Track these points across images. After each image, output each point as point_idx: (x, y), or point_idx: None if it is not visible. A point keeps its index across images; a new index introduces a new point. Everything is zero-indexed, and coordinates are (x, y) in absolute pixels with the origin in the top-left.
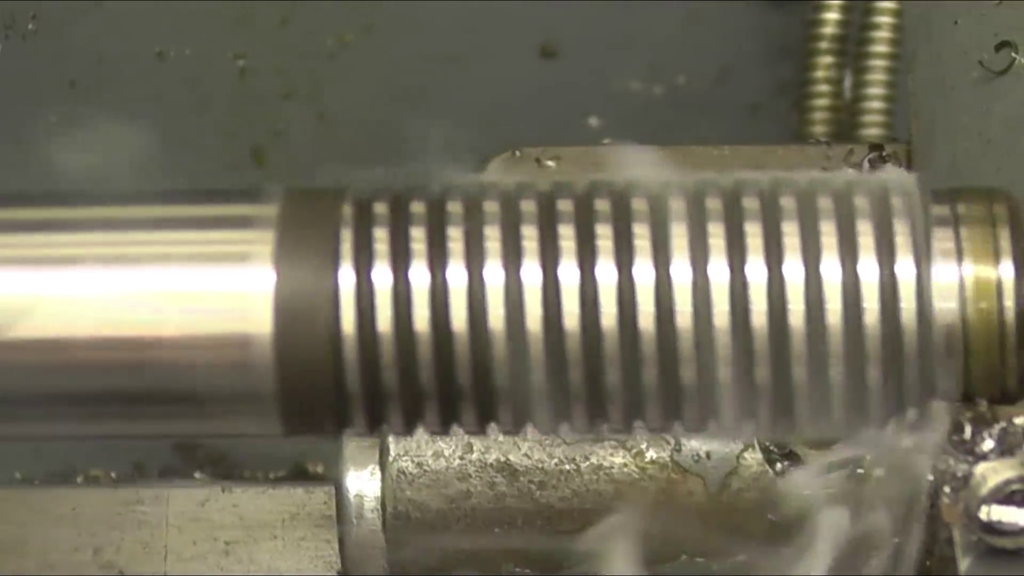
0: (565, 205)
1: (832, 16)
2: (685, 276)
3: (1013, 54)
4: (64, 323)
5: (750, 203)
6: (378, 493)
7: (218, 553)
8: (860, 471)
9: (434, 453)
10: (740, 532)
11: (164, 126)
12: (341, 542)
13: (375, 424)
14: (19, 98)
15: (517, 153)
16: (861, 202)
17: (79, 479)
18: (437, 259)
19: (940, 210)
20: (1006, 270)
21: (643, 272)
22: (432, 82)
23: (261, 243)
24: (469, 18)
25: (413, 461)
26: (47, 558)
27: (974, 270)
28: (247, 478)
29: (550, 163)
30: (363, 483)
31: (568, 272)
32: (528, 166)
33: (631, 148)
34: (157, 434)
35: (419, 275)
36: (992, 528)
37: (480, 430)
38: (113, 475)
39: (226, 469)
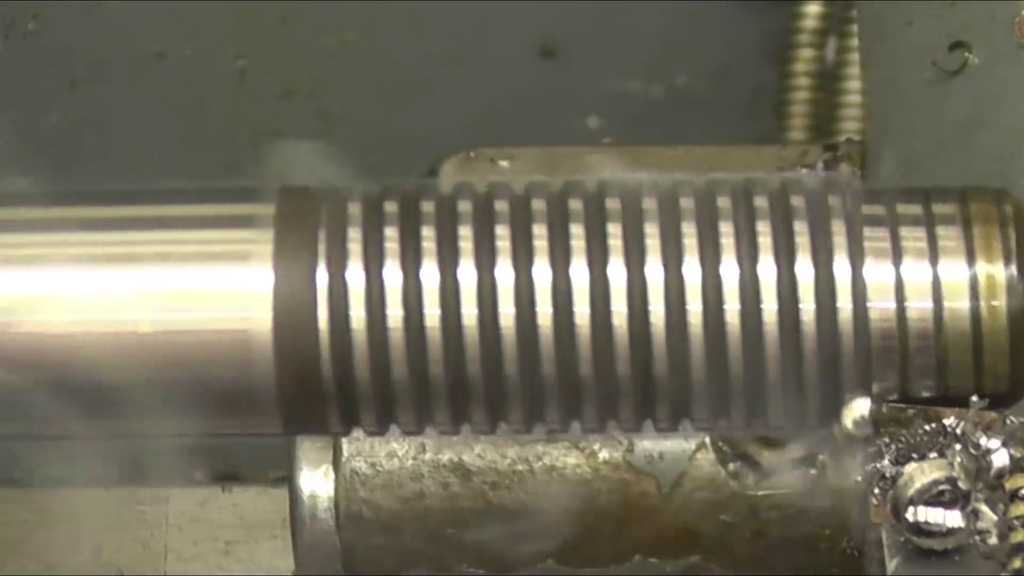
0: (539, 205)
1: (813, 9)
2: (620, 277)
3: (966, 54)
4: (65, 321)
5: (687, 203)
6: (331, 493)
7: (218, 553)
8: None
9: (387, 453)
10: (693, 532)
11: (164, 126)
12: (294, 543)
13: (381, 421)
14: (19, 98)
15: (471, 154)
16: (797, 201)
17: (79, 479)
18: (462, 258)
19: (876, 209)
20: (945, 269)
21: (578, 272)
22: (432, 82)
23: (260, 242)
24: (469, 18)
25: (366, 461)
26: (47, 558)
27: (912, 269)
28: (247, 478)
29: (504, 163)
30: (316, 483)
31: (542, 271)
32: (482, 166)
33: (591, 149)
34: (158, 433)
35: (430, 273)
36: (919, 529)
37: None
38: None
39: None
